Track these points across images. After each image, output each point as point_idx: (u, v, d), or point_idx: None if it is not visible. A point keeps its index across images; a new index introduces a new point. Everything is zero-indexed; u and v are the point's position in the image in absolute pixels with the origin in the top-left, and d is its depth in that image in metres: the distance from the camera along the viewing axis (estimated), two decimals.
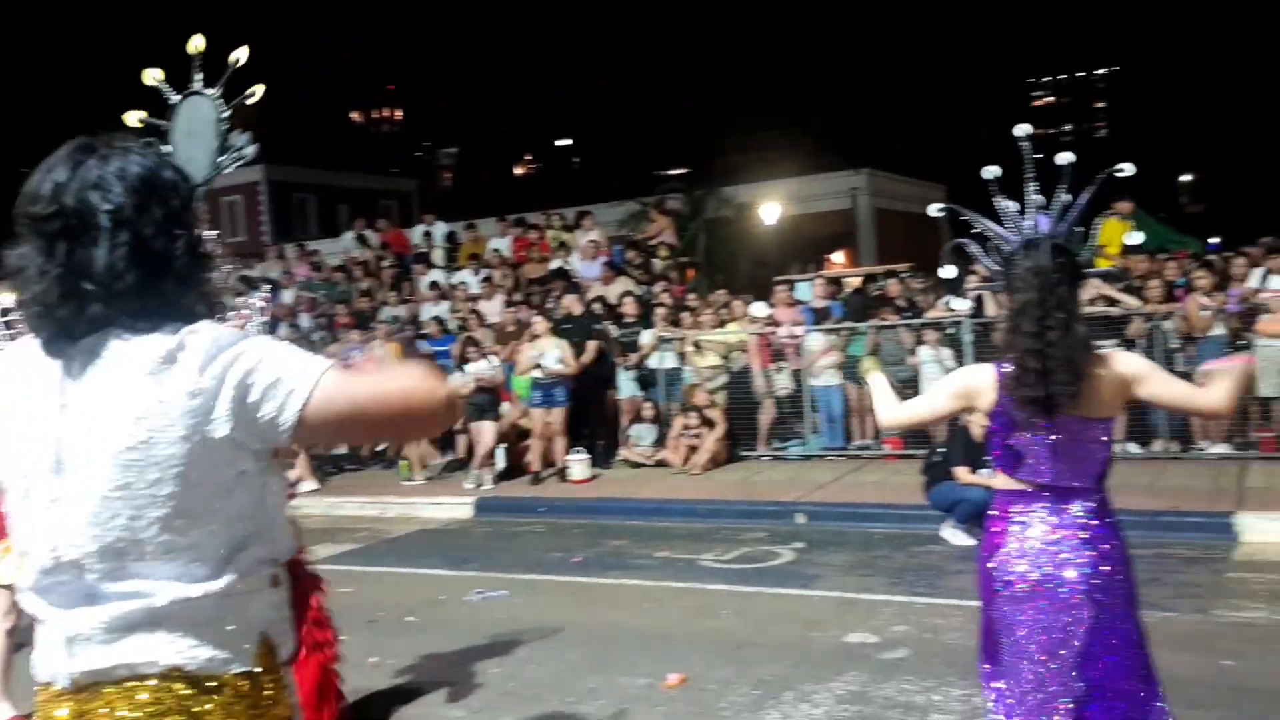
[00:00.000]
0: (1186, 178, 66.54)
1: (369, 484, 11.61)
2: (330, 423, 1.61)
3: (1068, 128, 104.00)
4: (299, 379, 1.56)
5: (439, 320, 13.16)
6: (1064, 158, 2.92)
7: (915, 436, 10.15)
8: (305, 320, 14.08)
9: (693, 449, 10.74)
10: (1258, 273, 8.98)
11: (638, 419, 11.46)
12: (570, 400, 10.93)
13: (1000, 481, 2.91)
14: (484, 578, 7.53)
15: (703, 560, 7.75)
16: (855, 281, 14.38)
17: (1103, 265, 10.60)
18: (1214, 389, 2.77)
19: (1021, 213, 2.91)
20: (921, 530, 7.86)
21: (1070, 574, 2.74)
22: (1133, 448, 9.38)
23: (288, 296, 14.75)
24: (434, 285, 14.62)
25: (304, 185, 34.95)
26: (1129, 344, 9.34)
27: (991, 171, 3.00)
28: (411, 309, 14.17)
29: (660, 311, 11.81)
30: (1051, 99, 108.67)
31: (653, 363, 11.64)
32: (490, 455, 10.93)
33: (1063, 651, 2.76)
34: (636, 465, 11.15)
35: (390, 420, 1.70)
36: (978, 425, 7.08)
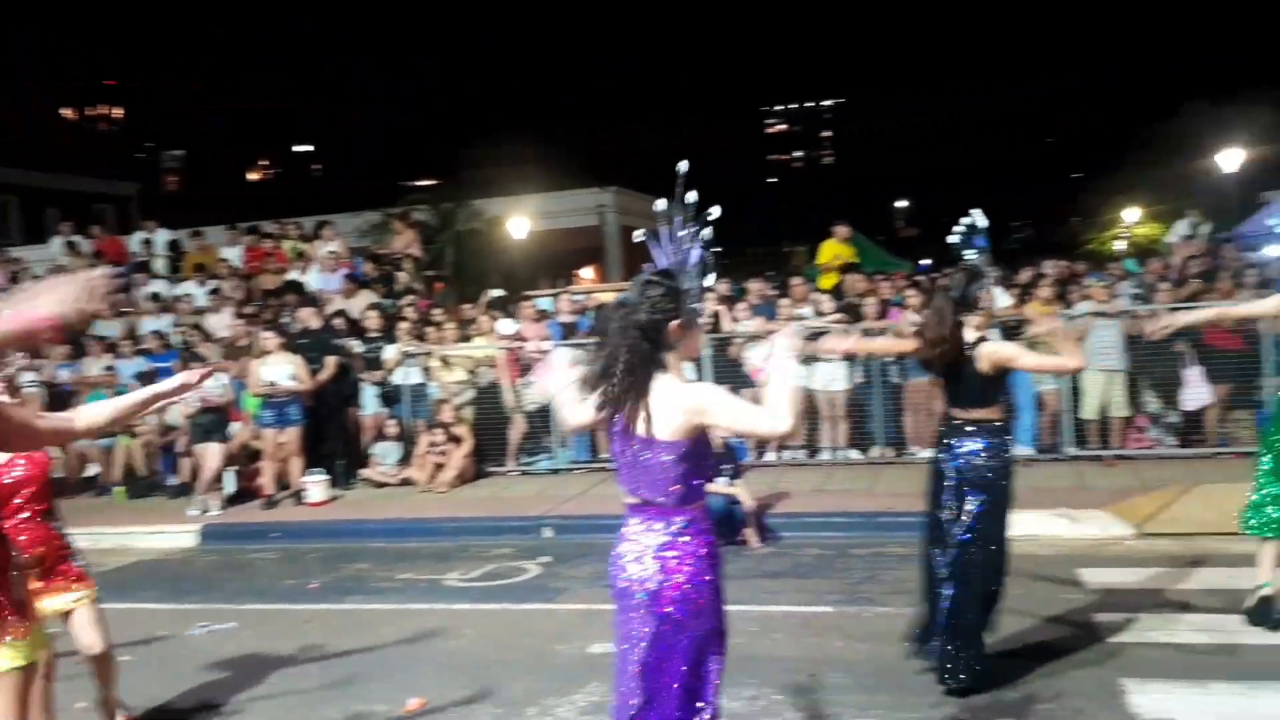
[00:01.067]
0: (902, 203, 72.56)
1: (78, 513, 10.59)
2: None
3: (798, 154, 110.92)
4: None
5: (159, 335, 12.27)
6: (689, 196, 3.03)
7: None
8: None
9: (439, 466, 10.55)
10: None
11: (381, 437, 11.13)
12: (306, 419, 10.48)
13: (626, 495, 3.05)
14: (210, 610, 7.07)
15: (447, 580, 7.62)
16: (604, 297, 14.62)
17: (826, 284, 11.42)
18: (771, 410, 2.83)
19: (682, 244, 3.03)
20: None
21: (636, 585, 2.92)
22: (854, 454, 10.07)
23: None
24: (155, 297, 13.64)
25: (5, 186, 31.78)
26: (850, 359, 10.01)
27: (660, 205, 3.10)
28: (129, 323, 13.14)
29: (405, 326, 11.55)
30: (784, 127, 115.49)
31: (397, 378, 11.36)
32: (217, 479, 10.29)
33: (633, 659, 2.93)
34: (380, 485, 10.83)
35: None
36: (718, 435, 7.36)
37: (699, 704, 2.99)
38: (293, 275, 13.57)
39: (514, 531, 8.89)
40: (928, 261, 34.20)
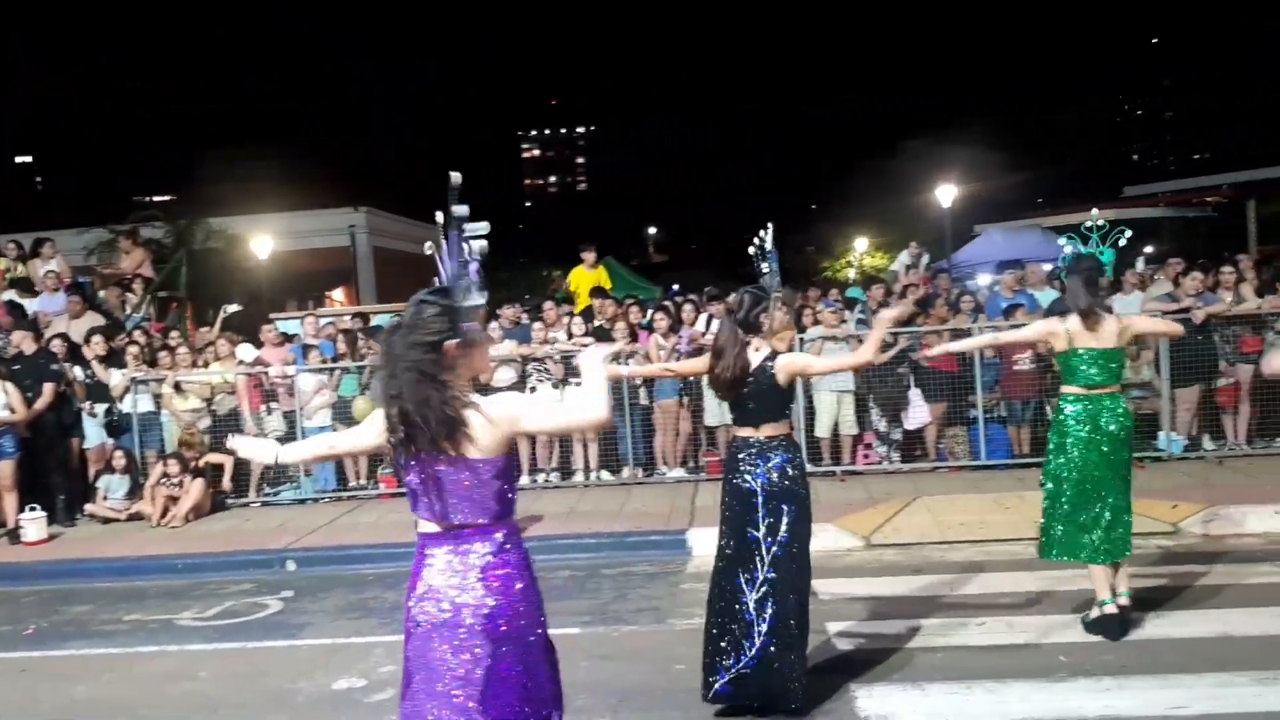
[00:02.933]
0: (653, 230, 74.90)
1: None
2: None
3: (553, 179, 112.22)
4: None
5: None
6: (460, 209, 2.98)
7: None
8: None
9: (173, 499, 9.88)
10: (703, 317, 10.31)
11: (108, 469, 10.31)
12: (20, 451, 9.56)
13: (418, 523, 2.96)
14: None
15: (180, 620, 7.15)
16: (347, 321, 14.16)
17: (578, 308, 11.60)
18: (585, 403, 2.92)
19: (460, 259, 2.98)
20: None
21: (465, 612, 2.81)
22: (605, 475, 10.26)
23: None
24: None
25: None
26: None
27: (437, 218, 3.05)
28: None
29: (133, 350, 10.77)
30: (538, 152, 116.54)
31: (125, 406, 10.57)
32: None
33: (456, 693, 2.80)
34: (107, 521, 10.02)
35: None
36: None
37: (545, 714, 2.93)
38: (7, 295, 12.33)
39: (254, 566, 8.46)
40: (677, 286, 35.52)
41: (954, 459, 9.93)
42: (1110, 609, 5.45)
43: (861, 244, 34.74)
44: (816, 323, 10.01)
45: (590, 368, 2.98)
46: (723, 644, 4.68)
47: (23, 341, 10.59)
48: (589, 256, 11.87)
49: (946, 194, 21.43)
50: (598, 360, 2.98)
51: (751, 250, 5.15)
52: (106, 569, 8.59)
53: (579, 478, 10.35)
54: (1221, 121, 67.53)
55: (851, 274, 30.11)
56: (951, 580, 6.81)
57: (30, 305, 12.22)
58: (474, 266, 2.95)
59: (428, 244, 3.31)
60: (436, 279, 2.98)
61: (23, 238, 14.53)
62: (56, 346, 10.71)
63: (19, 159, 74.51)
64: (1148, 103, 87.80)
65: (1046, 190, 39.17)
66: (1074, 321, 5.52)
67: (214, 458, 10.32)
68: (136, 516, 10.02)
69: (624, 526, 8.38)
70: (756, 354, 4.77)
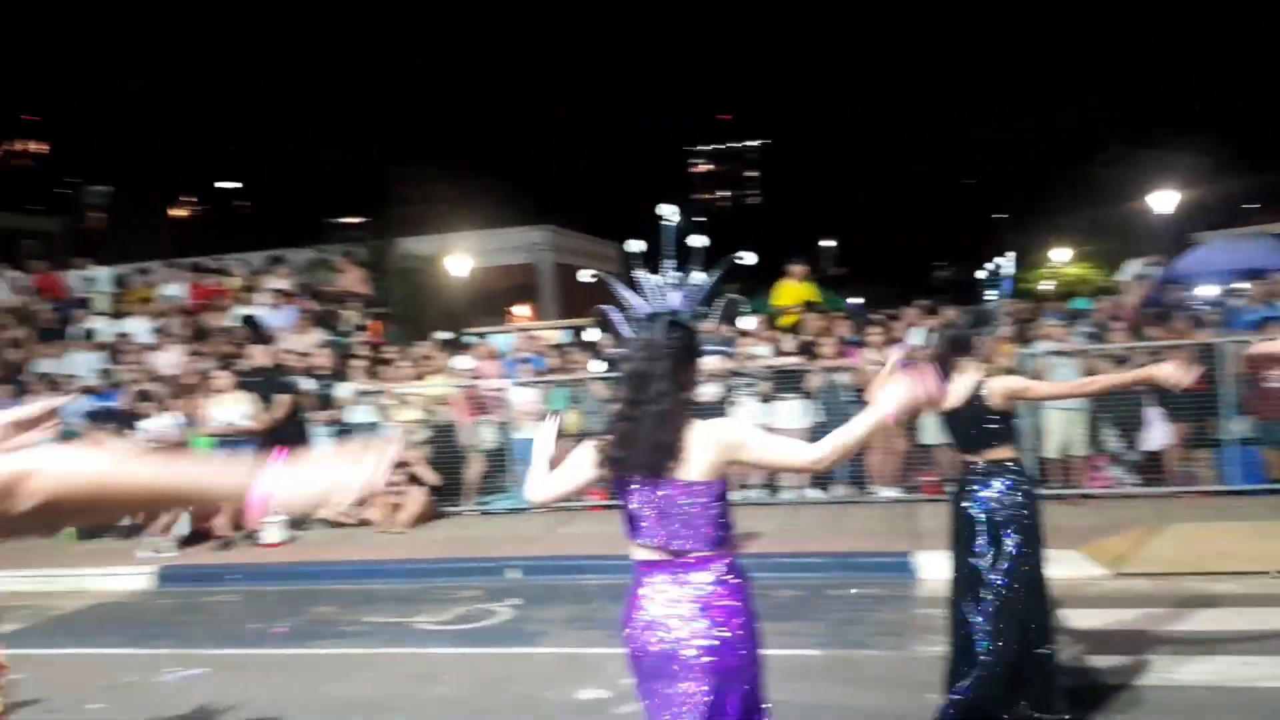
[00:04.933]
0: (829, 243, 73.81)
1: (27, 554, 10.10)
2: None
3: (724, 194, 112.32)
4: None
5: (105, 373, 11.85)
6: (697, 240, 3.02)
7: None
8: None
9: (396, 506, 10.31)
10: (917, 331, 10.02)
11: None
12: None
13: (633, 549, 2.92)
14: (176, 655, 6.78)
15: (418, 623, 7.41)
16: (552, 335, 14.53)
17: (786, 322, 11.48)
18: (814, 448, 2.88)
19: (658, 287, 2.99)
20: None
21: (686, 645, 2.75)
22: (812, 493, 10.07)
23: None
24: (91, 333, 13.15)
25: None
26: (807, 396, 10.08)
27: (635, 245, 3.07)
28: (69, 360, 12.67)
29: (358, 364, 11.32)
30: (709, 167, 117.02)
31: (350, 417, 11.11)
32: (170, 520, 9.92)
33: None
34: (337, 525, 10.54)
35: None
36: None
37: None
38: (241, 312, 13.22)
39: (479, 573, 8.71)
40: (859, 300, 34.84)
41: (1198, 484, 9.27)
42: None
43: (1061, 254, 33.17)
44: (1044, 337, 9.56)
45: (875, 413, 2.82)
46: (961, 669, 4.54)
47: (259, 356, 11.31)
48: (798, 270, 11.74)
49: (1164, 200, 20.19)
50: (889, 404, 2.79)
51: (983, 274, 4.98)
52: (342, 571, 9.02)
53: (786, 495, 10.22)
54: None
55: (1048, 285, 28.82)
56: (1208, 614, 6.35)
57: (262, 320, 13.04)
58: (689, 294, 2.96)
59: (585, 272, 3.32)
60: (645, 302, 2.95)
61: (252, 257, 15.56)
62: (288, 360, 11.38)
63: (223, 184, 79.85)
64: None
65: (1264, 197, 36.51)
66: None
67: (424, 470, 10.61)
68: (364, 522, 10.48)
69: (845, 546, 8.19)
70: (966, 378, 4.57)
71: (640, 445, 2.81)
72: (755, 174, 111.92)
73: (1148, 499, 9.22)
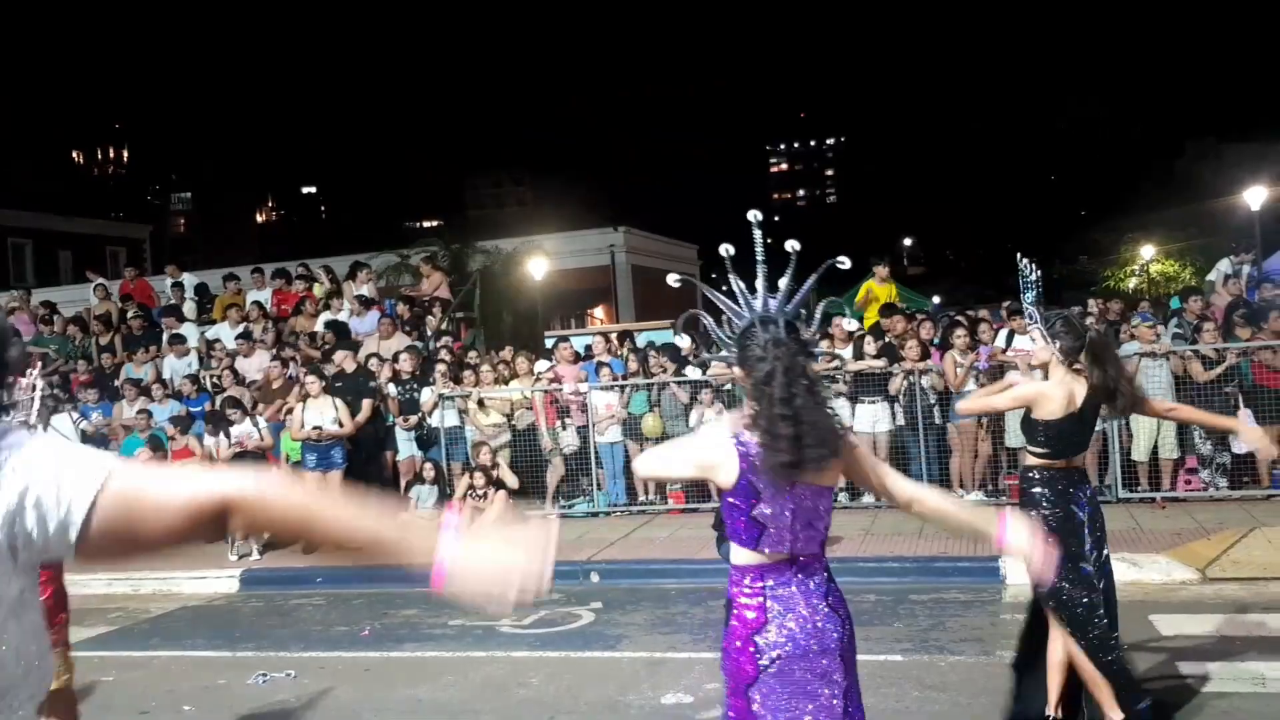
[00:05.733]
0: (908, 241, 72.85)
1: None
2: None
3: (801, 193, 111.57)
4: (80, 483, 1.36)
5: (194, 379, 12.25)
6: (792, 245, 3.01)
7: (698, 491, 10.39)
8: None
9: (478, 509, 10.45)
10: (1003, 333, 9.86)
11: (417, 480, 11.07)
12: (347, 462, 10.42)
13: (743, 556, 2.88)
14: (264, 658, 6.99)
15: (501, 626, 7.51)
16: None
17: (870, 323, 11.38)
18: (916, 487, 2.96)
19: (753, 291, 2.97)
20: (715, 585, 7.96)
21: (828, 642, 2.81)
22: None
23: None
24: (179, 339, 13.57)
25: (19, 229, 31.92)
26: (892, 400, 9.99)
27: (727, 249, 3.05)
28: (158, 366, 13.13)
29: (440, 368, 11.53)
30: (786, 166, 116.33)
31: (433, 421, 11.32)
32: None
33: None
34: None
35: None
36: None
37: None
38: (326, 317, 13.54)
39: (561, 576, 8.75)
40: (938, 300, 34.35)
41: None
42: None
43: (1147, 251, 32.27)
44: (1132, 338, 9.35)
45: (991, 527, 2.88)
46: (1134, 676, 4.49)
47: (344, 361, 11.57)
48: (881, 271, 11.62)
49: (1256, 196, 19.53)
50: (1012, 541, 2.84)
51: (1021, 280, 4.89)
52: (424, 574, 9.15)
53: (868, 498, 10.13)
54: None
55: (1134, 283, 28.05)
56: None
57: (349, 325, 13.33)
58: (788, 297, 2.97)
59: (673, 277, 3.31)
60: (743, 308, 2.95)
61: (335, 262, 15.91)
62: (373, 365, 11.63)
63: (305, 189, 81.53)
64: None
65: None
66: None
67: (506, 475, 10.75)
68: None
69: (928, 550, 8.11)
70: (1082, 384, 4.48)
71: (808, 443, 2.74)
72: (832, 172, 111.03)
73: (1238, 502, 8.96)
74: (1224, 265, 11.48)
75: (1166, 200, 33.34)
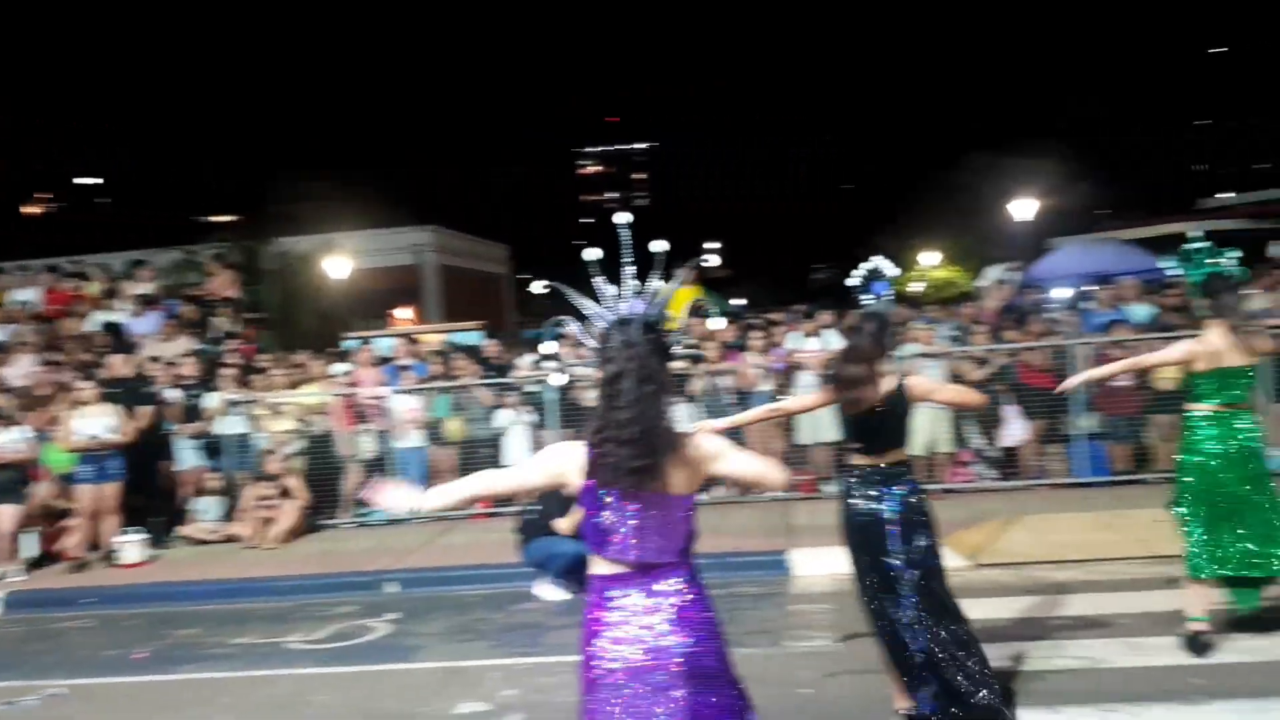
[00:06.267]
0: (712, 245, 74.80)
1: None
2: None
3: (613, 195, 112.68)
4: None
5: None
6: (659, 245, 3.01)
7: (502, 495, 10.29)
8: None
9: (267, 521, 10.02)
10: (796, 335, 10.23)
11: (201, 491, 10.50)
12: (125, 474, 9.76)
13: (593, 563, 2.88)
14: (24, 686, 6.45)
15: (289, 643, 7.21)
16: (434, 339, 14.32)
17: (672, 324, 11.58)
18: (782, 468, 2.98)
19: (616, 294, 2.99)
20: (518, 589, 7.93)
21: (665, 657, 2.75)
22: (699, 495, 10.17)
23: None
24: None
25: None
26: (691, 400, 10.20)
27: (593, 254, 3.05)
28: None
29: (228, 372, 10.97)
30: (597, 168, 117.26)
31: (219, 429, 10.75)
32: (13, 543, 9.43)
33: None
34: (201, 543, 10.19)
35: None
36: None
37: None
38: (101, 318, 12.65)
39: (356, 588, 8.53)
40: (743, 302, 35.36)
41: (1050, 477, 9.74)
42: (1200, 626, 5.42)
43: (930, 258, 34.32)
44: (911, 340, 9.88)
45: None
46: (914, 671, 4.58)
47: (121, 365, 10.85)
48: (685, 274, 11.80)
49: (1025, 208, 21.10)
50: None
51: (859, 278, 5.10)
52: (208, 591, 8.71)
53: None
54: None
55: (918, 287, 29.75)
56: (1064, 601, 6.69)
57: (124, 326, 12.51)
58: (665, 299, 2.95)
59: (538, 283, 3.29)
60: (632, 309, 2.95)
61: (113, 259, 14.91)
62: (153, 370, 10.95)
63: (83, 180, 76.17)
64: (1212, 113, 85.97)
65: (1113, 203, 38.47)
66: (1213, 340, 5.38)
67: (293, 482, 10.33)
68: (231, 539, 10.16)
69: (723, 546, 8.31)
70: (887, 379, 4.70)
71: (641, 451, 2.73)
72: (642, 176, 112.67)
73: (1005, 492, 9.63)
74: (995, 272, 12.34)
75: (949, 210, 35.60)
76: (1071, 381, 5.97)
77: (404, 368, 11.22)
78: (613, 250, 3.05)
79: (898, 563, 4.56)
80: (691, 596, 2.83)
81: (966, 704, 4.48)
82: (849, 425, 4.79)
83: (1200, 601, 5.46)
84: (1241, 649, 5.43)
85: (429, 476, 10.71)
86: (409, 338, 12.21)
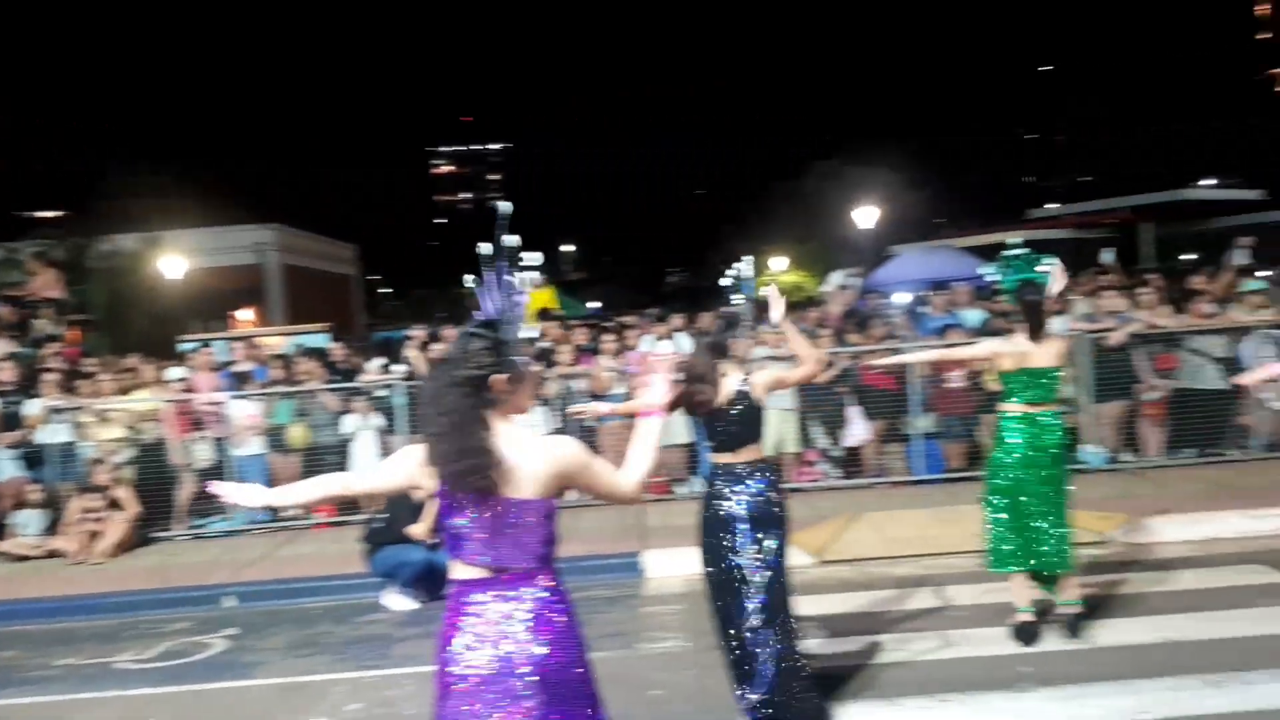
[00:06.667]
0: (569, 247, 74.83)
1: None
2: None
3: (467, 196, 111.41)
4: None
5: None
6: (510, 239, 2.95)
7: (347, 504, 10.03)
8: None
9: (94, 535, 9.47)
10: (649, 338, 10.32)
11: (21, 504, 9.85)
12: None
13: (454, 568, 2.85)
14: None
15: (119, 663, 6.84)
16: (276, 342, 13.83)
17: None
18: (634, 479, 2.94)
19: (509, 291, 2.94)
20: (363, 600, 7.73)
21: (518, 662, 2.72)
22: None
23: None
24: None
25: None
26: (545, 403, 10.16)
27: (485, 247, 2.99)
28: None
29: (50, 378, 10.32)
30: (451, 168, 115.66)
31: (41, 438, 10.11)
32: None
33: None
34: (21, 558, 9.55)
35: None
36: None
37: None
38: None
39: (190, 603, 8.15)
40: (598, 305, 35.50)
41: (891, 475, 10.12)
42: (1026, 617, 5.73)
43: (778, 263, 35.29)
44: (761, 343, 10.09)
45: (648, 428, 2.96)
46: (745, 668, 4.65)
47: None
48: (536, 279, 11.75)
49: (867, 215, 21.90)
50: (655, 426, 2.94)
51: (727, 280, 5.20)
52: (29, 610, 8.19)
53: None
54: (1109, 147, 70.59)
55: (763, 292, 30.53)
56: (903, 595, 6.93)
57: None
58: (522, 299, 2.90)
59: (470, 278, 3.25)
60: (486, 310, 2.91)
61: None
62: None
63: None
64: (1041, 127, 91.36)
65: (950, 212, 40.35)
66: (1021, 342, 5.70)
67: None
68: (54, 554, 9.56)
69: (576, 550, 8.30)
70: (731, 379, 4.79)
71: (461, 462, 2.69)
72: (497, 176, 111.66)
73: (848, 491, 9.95)
74: (837, 277, 12.76)
75: (795, 215, 36.72)
76: (877, 363, 6.15)
77: (243, 372, 10.78)
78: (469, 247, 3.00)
79: (747, 561, 4.63)
80: (552, 604, 2.79)
81: (793, 711, 4.60)
82: (704, 425, 4.91)
83: (1025, 593, 5.77)
84: (1068, 639, 5.72)
85: (270, 485, 10.36)
86: (249, 340, 11.72)
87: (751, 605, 4.59)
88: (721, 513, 4.70)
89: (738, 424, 4.74)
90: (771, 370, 5.19)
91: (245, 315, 27.34)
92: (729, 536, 4.67)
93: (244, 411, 10.29)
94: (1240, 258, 12.02)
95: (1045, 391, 5.70)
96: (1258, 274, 11.32)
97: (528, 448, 2.78)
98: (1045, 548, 5.63)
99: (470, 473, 2.71)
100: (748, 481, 4.71)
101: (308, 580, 8.28)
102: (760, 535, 4.64)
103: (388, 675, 6.04)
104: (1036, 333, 5.67)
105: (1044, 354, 5.67)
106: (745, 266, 5.19)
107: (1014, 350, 5.71)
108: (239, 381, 10.85)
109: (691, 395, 4.78)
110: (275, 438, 10.32)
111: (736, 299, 5.19)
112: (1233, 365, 9.73)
